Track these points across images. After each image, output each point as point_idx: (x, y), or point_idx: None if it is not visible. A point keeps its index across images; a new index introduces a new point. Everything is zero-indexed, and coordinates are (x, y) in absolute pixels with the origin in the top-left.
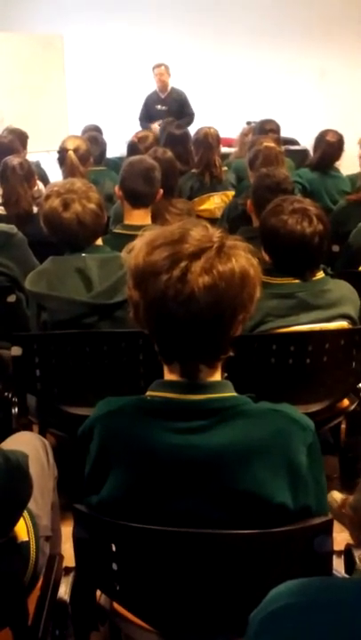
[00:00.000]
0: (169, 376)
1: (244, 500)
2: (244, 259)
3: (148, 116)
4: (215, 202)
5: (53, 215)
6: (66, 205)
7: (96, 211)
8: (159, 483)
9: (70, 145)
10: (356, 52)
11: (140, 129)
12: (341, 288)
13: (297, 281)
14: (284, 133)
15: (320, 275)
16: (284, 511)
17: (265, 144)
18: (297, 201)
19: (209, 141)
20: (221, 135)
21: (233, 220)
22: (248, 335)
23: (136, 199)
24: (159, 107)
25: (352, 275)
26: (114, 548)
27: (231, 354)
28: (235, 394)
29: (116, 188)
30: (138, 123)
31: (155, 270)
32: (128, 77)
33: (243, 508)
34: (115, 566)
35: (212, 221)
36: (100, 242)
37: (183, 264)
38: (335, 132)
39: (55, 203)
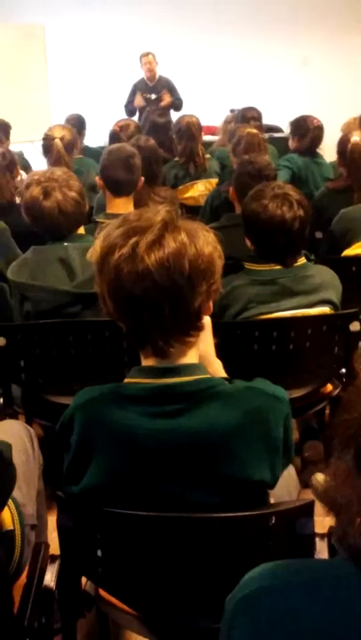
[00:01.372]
0: (145, 362)
1: (225, 482)
2: (195, 231)
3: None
4: (199, 189)
5: (34, 204)
6: (46, 194)
7: (77, 199)
8: (140, 468)
9: (57, 133)
10: (338, 40)
11: (124, 117)
12: (323, 273)
13: (278, 267)
14: (267, 121)
15: (302, 261)
16: (263, 487)
17: (247, 130)
18: (278, 186)
19: (192, 131)
20: (205, 123)
21: (216, 208)
22: (231, 322)
23: (117, 188)
24: (147, 95)
25: (334, 261)
26: (98, 535)
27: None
28: (208, 375)
29: (97, 178)
30: (122, 111)
31: (108, 251)
32: (110, 66)
33: (224, 489)
34: (99, 553)
35: (197, 209)
36: (82, 231)
37: (133, 240)
38: (316, 118)
39: (36, 191)
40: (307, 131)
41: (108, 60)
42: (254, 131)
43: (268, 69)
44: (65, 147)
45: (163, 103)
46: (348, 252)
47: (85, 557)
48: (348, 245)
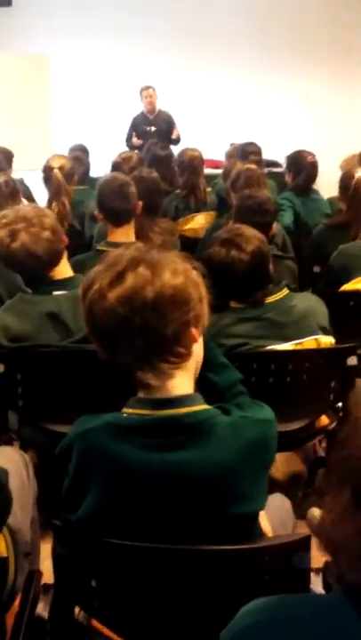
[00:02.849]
0: (140, 393)
1: (224, 516)
2: (161, 264)
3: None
4: (200, 222)
5: (1, 247)
6: (13, 236)
7: (49, 237)
8: (137, 499)
9: (55, 163)
10: (340, 77)
11: (125, 149)
12: (306, 300)
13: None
14: (268, 156)
15: (284, 292)
16: (257, 514)
17: (246, 166)
18: (229, 232)
19: (194, 165)
20: (206, 157)
21: None
22: (229, 354)
23: (116, 217)
24: (147, 127)
25: (331, 295)
26: (93, 565)
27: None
28: (205, 406)
29: (96, 212)
30: (123, 143)
31: (84, 294)
32: (114, 98)
33: (222, 523)
34: (94, 583)
35: (196, 241)
36: (67, 269)
37: (101, 277)
38: (310, 153)
39: (1, 234)
40: (302, 167)
41: (112, 90)
42: (253, 166)
43: (270, 104)
44: (64, 176)
45: (173, 136)
46: (347, 286)
47: (80, 587)
48: (347, 280)
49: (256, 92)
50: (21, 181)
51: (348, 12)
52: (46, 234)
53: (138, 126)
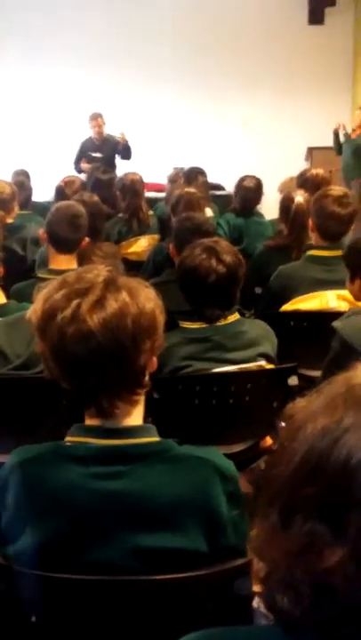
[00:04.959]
0: (88, 421)
1: (161, 552)
2: (136, 289)
3: (82, 160)
4: (142, 245)
5: None
6: None
7: None
8: (79, 530)
9: None
10: (275, 103)
11: (73, 172)
12: (257, 328)
13: (208, 325)
14: (210, 179)
15: (234, 317)
16: (198, 556)
17: (186, 190)
18: (213, 241)
19: (135, 188)
20: (151, 180)
21: (159, 263)
22: (172, 377)
23: (60, 244)
24: (94, 154)
25: (271, 316)
26: (32, 600)
27: (155, 395)
28: (157, 438)
29: (41, 231)
30: (68, 166)
31: (51, 314)
32: (54, 121)
33: (162, 557)
34: (33, 618)
35: (140, 264)
36: (1, 296)
37: (75, 302)
38: (253, 177)
39: None
40: (237, 191)
41: (55, 114)
42: (192, 190)
43: (210, 128)
44: (2, 201)
45: (122, 138)
46: (287, 307)
47: (18, 622)
48: (287, 301)
49: (197, 116)
50: None
51: (286, 35)
52: None
53: (84, 151)
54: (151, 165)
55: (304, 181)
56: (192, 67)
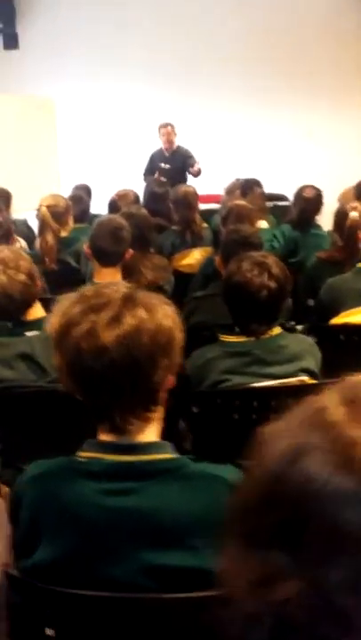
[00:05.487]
0: (102, 436)
1: (172, 570)
2: (154, 306)
3: (151, 172)
4: (195, 257)
5: None
6: None
7: (25, 281)
8: (90, 546)
9: (44, 202)
10: (342, 111)
11: (142, 183)
12: (300, 343)
13: (250, 338)
14: (274, 189)
15: (277, 331)
16: (210, 575)
17: (235, 202)
18: (261, 255)
19: (188, 200)
20: (212, 192)
21: (208, 276)
22: (211, 391)
23: (103, 257)
24: (163, 164)
25: (321, 329)
26: (47, 614)
27: (194, 410)
28: (171, 455)
29: (85, 247)
30: (136, 180)
31: (67, 328)
32: (121, 136)
33: (173, 576)
34: (48, 632)
35: (192, 276)
36: (40, 310)
37: (91, 317)
38: (312, 188)
39: None
40: (297, 201)
41: (118, 129)
42: (242, 202)
43: (274, 138)
44: (53, 215)
45: (193, 170)
46: (336, 320)
47: (34, 636)
48: (336, 314)
49: (261, 127)
50: (24, 222)
51: (351, 43)
52: (23, 277)
53: (154, 162)
54: (216, 177)
55: None
56: (257, 79)
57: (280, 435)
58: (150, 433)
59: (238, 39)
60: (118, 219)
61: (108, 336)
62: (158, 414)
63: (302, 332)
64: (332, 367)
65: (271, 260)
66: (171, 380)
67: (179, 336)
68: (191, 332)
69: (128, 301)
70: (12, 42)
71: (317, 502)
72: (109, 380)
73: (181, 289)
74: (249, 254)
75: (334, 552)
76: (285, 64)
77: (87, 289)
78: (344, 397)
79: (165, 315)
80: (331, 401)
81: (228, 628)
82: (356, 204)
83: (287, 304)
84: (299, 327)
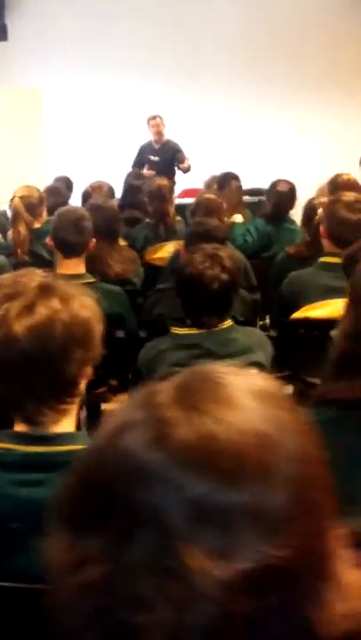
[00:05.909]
0: (16, 427)
1: None
2: (71, 296)
3: (140, 164)
4: (168, 250)
5: None
6: None
7: None
8: (2, 536)
9: (18, 193)
10: (332, 108)
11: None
12: (251, 336)
13: (201, 331)
14: (265, 185)
15: (227, 324)
16: None
17: (205, 195)
18: (214, 248)
19: (162, 193)
20: (199, 186)
21: (174, 269)
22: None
23: (66, 249)
24: (152, 157)
25: (282, 323)
26: None
27: None
28: (85, 446)
29: (48, 239)
30: (116, 173)
31: None
32: (108, 129)
33: None
34: None
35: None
36: None
37: (4, 306)
38: (286, 182)
39: None
40: (271, 195)
41: (106, 122)
42: (212, 196)
43: (266, 135)
44: (26, 206)
45: (183, 165)
46: (297, 314)
47: None
48: (298, 308)
49: (253, 123)
50: (3, 213)
51: (349, 43)
52: None
53: (143, 155)
54: (206, 172)
55: (335, 187)
56: (252, 74)
57: (115, 414)
58: (65, 424)
59: (231, 32)
60: (80, 209)
61: (19, 326)
62: (74, 405)
63: (264, 325)
64: (293, 361)
65: (224, 253)
66: (88, 373)
67: (98, 328)
68: (152, 325)
69: (43, 291)
70: (1, 33)
71: (125, 480)
72: (20, 370)
73: (153, 282)
74: (202, 246)
75: (133, 533)
76: (282, 61)
77: (4, 277)
78: (180, 383)
79: (83, 305)
80: (166, 385)
81: (54, 616)
82: (324, 199)
83: (257, 298)
84: (267, 321)
